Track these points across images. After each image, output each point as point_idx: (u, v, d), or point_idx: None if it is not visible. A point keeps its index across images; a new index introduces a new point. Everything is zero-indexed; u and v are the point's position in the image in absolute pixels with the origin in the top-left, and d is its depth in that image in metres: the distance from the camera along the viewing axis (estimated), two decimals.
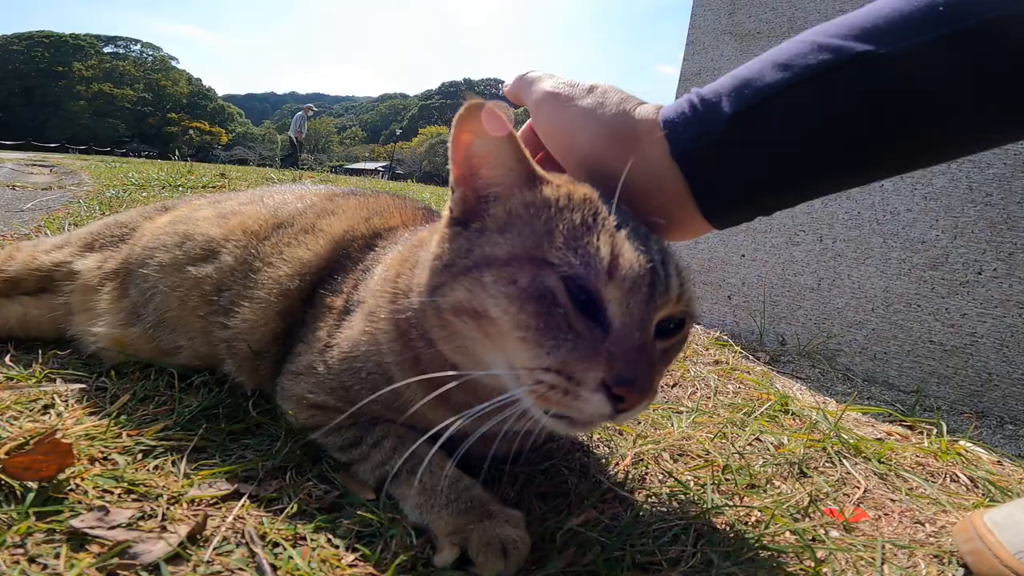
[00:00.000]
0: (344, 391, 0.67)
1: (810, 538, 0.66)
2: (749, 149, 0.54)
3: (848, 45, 0.51)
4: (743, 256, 1.99)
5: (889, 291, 1.66)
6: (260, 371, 0.80)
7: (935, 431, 1.12)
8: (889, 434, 1.15)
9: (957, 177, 1.54)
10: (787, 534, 0.66)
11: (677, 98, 2.55)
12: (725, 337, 1.76)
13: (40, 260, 1.02)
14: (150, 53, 79.19)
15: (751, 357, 1.64)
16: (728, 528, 0.66)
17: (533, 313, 0.48)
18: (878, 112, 0.51)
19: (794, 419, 1.10)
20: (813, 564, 0.60)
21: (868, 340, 1.69)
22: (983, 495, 0.87)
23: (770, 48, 0.56)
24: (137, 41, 79.60)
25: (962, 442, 1.08)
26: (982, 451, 1.07)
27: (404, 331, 0.62)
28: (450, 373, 0.55)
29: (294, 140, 15.74)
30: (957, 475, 0.92)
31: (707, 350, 1.61)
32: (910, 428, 1.19)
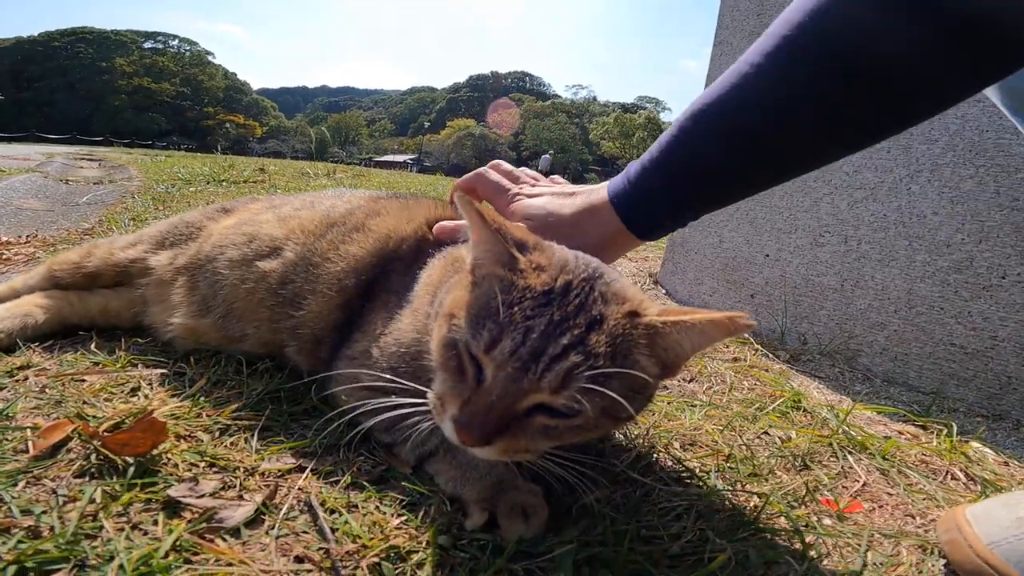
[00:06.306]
0: (391, 373, 0.75)
1: (803, 524, 0.72)
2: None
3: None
4: (767, 256, 2.02)
5: (912, 293, 1.67)
6: (319, 354, 0.90)
7: (945, 431, 1.16)
8: (901, 433, 1.19)
9: (984, 181, 1.55)
10: (781, 519, 0.73)
11: None
12: (746, 335, 1.80)
13: (117, 256, 1.12)
14: (187, 48, 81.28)
15: (771, 356, 1.68)
16: (727, 511, 0.73)
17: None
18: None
19: (805, 416, 1.15)
20: (801, 546, 0.66)
21: (889, 341, 1.72)
22: (979, 493, 0.91)
23: None
24: (175, 36, 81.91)
25: (973, 443, 1.11)
26: (990, 451, 1.10)
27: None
28: None
29: (540, 172, 25.71)
30: (957, 473, 0.96)
31: (726, 347, 1.66)
32: (923, 428, 1.23)
